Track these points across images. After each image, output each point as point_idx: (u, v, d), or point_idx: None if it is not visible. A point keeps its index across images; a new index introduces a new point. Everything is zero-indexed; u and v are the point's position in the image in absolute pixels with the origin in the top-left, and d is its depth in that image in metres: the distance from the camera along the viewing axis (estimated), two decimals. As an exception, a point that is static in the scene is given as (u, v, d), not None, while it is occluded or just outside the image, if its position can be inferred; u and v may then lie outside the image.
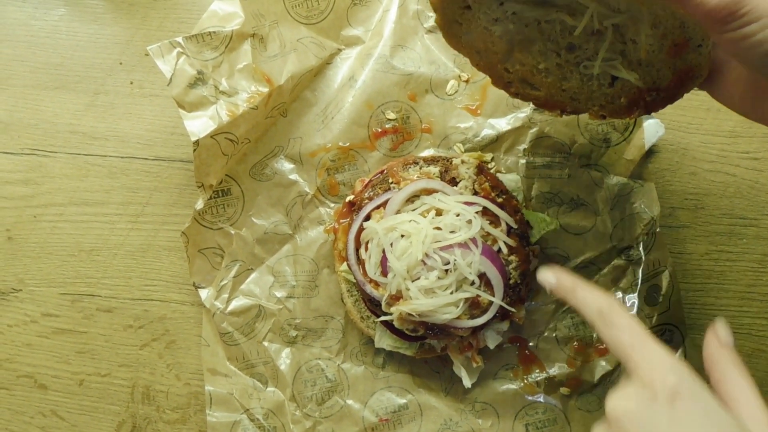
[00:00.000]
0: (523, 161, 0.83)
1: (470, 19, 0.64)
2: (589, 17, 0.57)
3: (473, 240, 0.70)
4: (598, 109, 0.67)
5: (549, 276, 0.63)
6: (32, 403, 0.86)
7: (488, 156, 0.83)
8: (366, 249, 0.74)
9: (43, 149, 0.87)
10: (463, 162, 0.77)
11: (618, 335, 0.56)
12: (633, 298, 0.81)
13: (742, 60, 0.47)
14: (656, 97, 0.62)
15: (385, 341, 0.79)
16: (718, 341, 0.57)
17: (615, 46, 0.60)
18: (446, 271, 0.69)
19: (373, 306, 0.76)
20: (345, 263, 0.79)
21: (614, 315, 0.58)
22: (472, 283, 0.70)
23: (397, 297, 0.71)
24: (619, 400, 0.53)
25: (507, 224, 0.73)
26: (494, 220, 0.73)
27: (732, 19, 0.43)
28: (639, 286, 0.81)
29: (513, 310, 0.74)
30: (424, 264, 0.70)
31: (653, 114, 0.76)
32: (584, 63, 0.63)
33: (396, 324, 0.72)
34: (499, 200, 0.75)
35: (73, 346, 0.86)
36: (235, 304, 0.83)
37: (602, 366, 0.81)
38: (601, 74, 0.63)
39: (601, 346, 0.81)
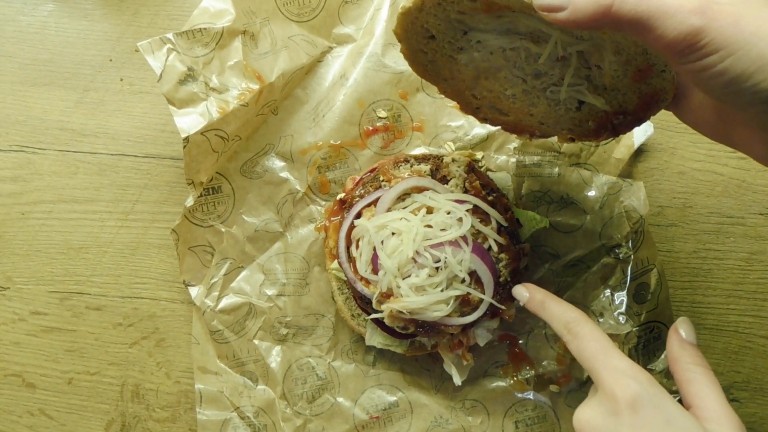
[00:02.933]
0: (513, 160, 0.84)
1: (435, 48, 0.64)
2: (553, 45, 0.57)
3: (464, 238, 0.70)
4: (567, 132, 0.68)
5: (522, 291, 0.65)
6: (20, 402, 0.85)
7: (479, 154, 0.83)
8: (357, 247, 0.74)
9: (31, 146, 0.87)
10: (453, 160, 0.77)
11: (583, 346, 0.58)
12: (622, 296, 0.82)
13: (703, 89, 0.47)
14: (623, 120, 0.63)
15: (375, 339, 0.79)
16: (680, 339, 0.59)
17: (580, 72, 0.60)
18: (437, 268, 0.70)
19: (364, 304, 0.76)
20: (336, 261, 0.79)
21: (580, 327, 0.59)
22: (463, 281, 0.70)
23: (387, 294, 0.71)
24: (584, 413, 0.55)
25: (497, 222, 0.74)
26: (484, 218, 0.73)
27: (691, 51, 0.43)
28: (628, 284, 0.82)
29: (503, 307, 0.74)
30: (415, 262, 0.70)
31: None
32: (551, 88, 0.63)
33: (387, 321, 0.72)
34: (490, 198, 0.75)
35: (62, 344, 0.85)
36: (225, 302, 0.83)
37: (591, 363, 0.81)
38: (567, 99, 0.64)
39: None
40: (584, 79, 0.61)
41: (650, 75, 0.56)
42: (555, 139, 0.69)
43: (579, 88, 0.61)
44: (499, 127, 0.72)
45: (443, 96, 0.71)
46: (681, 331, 0.60)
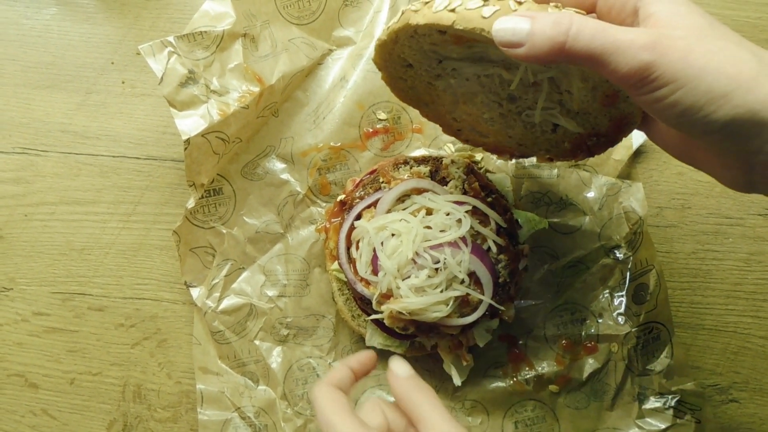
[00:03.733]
0: (512, 161, 0.84)
1: (413, 76, 0.66)
2: (522, 72, 0.59)
3: (463, 239, 0.71)
4: (545, 153, 0.70)
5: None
6: (23, 402, 0.85)
7: (478, 156, 0.84)
8: (357, 248, 0.74)
9: (34, 148, 0.87)
10: (453, 162, 0.77)
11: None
12: (621, 297, 0.82)
13: (659, 119, 0.48)
14: (597, 141, 0.65)
15: (375, 340, 0.80)
16: (397, 377, 0.61)
17: (552, 96, 0.61)
18: (436, 269, 0.70)
19: (364, 304, 0.76)
20: (336, 262, 0.79)
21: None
22: (462, 282, 0.71)
23: (387, 295, 0.71)
24: None
25: (496, 223, 0.74)
26: (484, 220, 0.74)
27: (643, 84, 0.45)
28: (627, 285, 0.82)
29: (502, 308, 0.74)
30: (415, 263, 0.70)
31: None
32: (526, 112, 0.65)
33: (386, 322, 0.72)
34: (489, 200, 0.76)
35: (64, 344, 0.86)
36: (226, 303, 0.83)
37: (591, 364, 0.82)
38: (542, 122, 0.65)
39: (589, 345, 0.82)
40: (557, 104, 0.62)
41: (617, 100, 0.58)
42: (534, 159, 0.71)
43: (552, 111, 0.63)
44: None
45: (425, 117, 0.73)
46: (395, 371, 0.62)
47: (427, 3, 0.54)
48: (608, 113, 0.60)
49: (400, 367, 0.62)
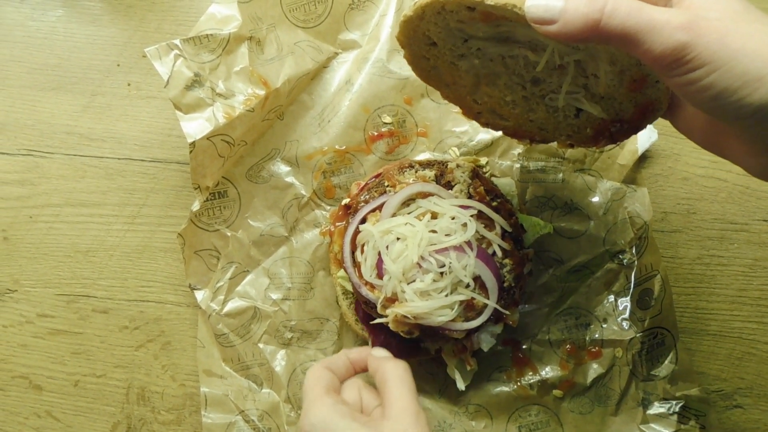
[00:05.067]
0: (517, 165, 0.84)
1: (437, 55, 0.65)
2: (549, 54, 0.58)
3: (468, 243, 0.71)
4: (566, 138, 0.69)
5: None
6: (27, 404, 0.86)
7: (483, 160, 0.84)
8: (362, 252, 0.74)
9: (39, 150, 0.88)
10: (458, 166, 0.77)
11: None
12: (625, 302, 0.82)
13: (691, 103, 0.48)
14: (620, 128, 0.64)
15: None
16: (375, 357, 0.68)
17: (578, 80, 0.61)
18: (441, 273, 0.70)
19: (369, 308, 0.76)
20: (341, 270, 0.79)
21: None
22: (467, 286, 0.71)
23: (392, 299, 0.71)
24: None
25: (501, 228, 0.74)
26: (489, 224, 0.74)
27: (677, 66, 0.44)
28: (631, 290, 0.82)
29: (507, 312, 0.74)
30: (420, 267, 0.70)
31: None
32: (549, 96, 0.64)
33: (391, 326, 0.72)
34: (494, 204, 0.76)
35: (69, 346, 0.86)
36: (230, 306, 0.83)
37: (594, 369, 0.82)
38: (566, 106, 0.65)
39: (594, 350, 0.82)
40: (582, 88, 0.61)
41: (645, 85, 0.57)
42: (555, 144, 0.70)
43: (576, 96, 0.62)
44: (501, 132, 0.73)
45: (446, 101, 0.72)
46: (374, 352, 0.69)
47: None
48: (634, 99, 0.59)
49: (379, 350, 0.70)
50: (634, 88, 0.58)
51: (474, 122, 0.84)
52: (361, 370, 0.72)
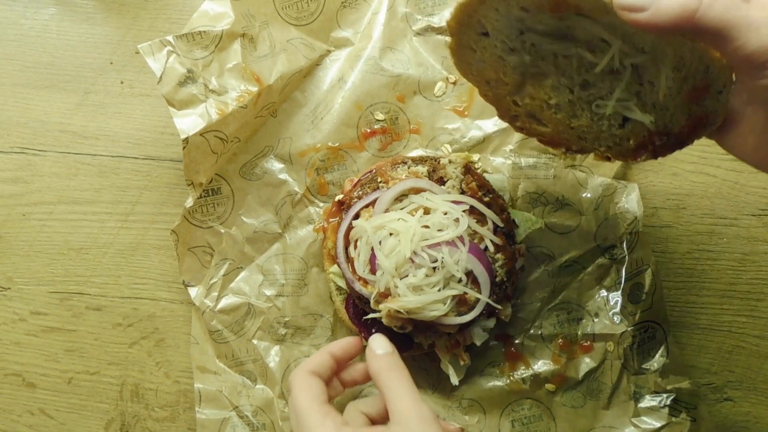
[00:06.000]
0: (509, 162, 0.85)
1: (486, 46, 0.62)
2: (611, 55, 0.55)
3: (460, 238, 0.71)
4: (605, 150, 0.65)
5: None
6: (20, 401, 0.85)
7: (475, 156, 0.84)
8: (355, 247, 0.75)
9: (32, 148, 0.88)
10: (450, 162, 0.78)
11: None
12: (617, 296, 0.83)
13: None
14: (666, 141, 0.60)
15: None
16: (375, 355, 0.65)
17: (631, 87, 0.58)
18: (434, 268, 0.70)
19: (362, 304, 0.77)
20: (334, 266, 0.79)
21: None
22: (460, 281, 0.71)
23: (385, 294, 0.72)
24: None
25: (493, 223, 0.75)
26: (481, 219, 0.74)
27: None
28: (622, 284, 0.83)
29: (499, 307, 0.75)
30: (412, 262, 0.71)
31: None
32: (597, 102, 0.61)
33: (384, 321, 0.73)
34: (486, 199, 0.76)
35: (62, 344, 0.86)
36: (224, 303, 0.84)
37: (587, 363, 0.82)
38: (612, 114, 0.61)
39: (585, 344, 0.83)
40: (634, 95, 0.58)
41: (705, 95, 0.54)
42: (591, 156, 0.68)
43: (627, 103, 0.59)
44: (515, 134, 0.69)
45: (483, 98, 0.69)
46: (375, 349, 0.66)
47: None
48: (689, 110, 0.56)
49: (378, 345, 0.66)
50: (693, 97, 0.55)
51: (466, 119, 0.85)
52: (345, 362, 0.71)
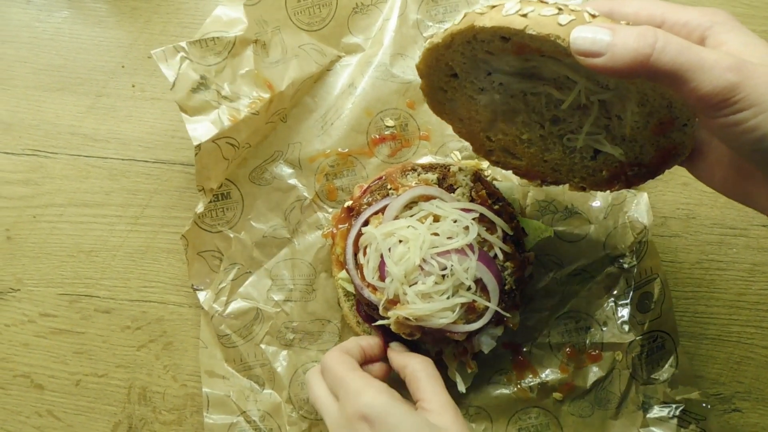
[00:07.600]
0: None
1: (456, 87, 0.64)
2: (577, 92, 0.57)
3: (470, 246, 0.71)
4: (579, 180, 0.68)
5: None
6: (28, 402, 0.86)
7: (485, 164, 0.84)
8: (364, 254, 0.75)
9: (44, 150, 0.88)
10: (460, 169, 0.78)
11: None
12: (625, 305, 0.83)
13: (731, 145, 0.47)
14: (638, 171, 0.62)
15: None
16: (395, 351, 0.73)
17: (600, 121, 0.60)
18: (443, 276, 0.70)
19: (371, 310, 0.77)
20: (343, 271, 0.79)
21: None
22: (469, 289, 0.71)
23: (394, 301, 0.72)
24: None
25: (503, 231, 0.75)
26: (490, 227, 0.74)
27: (725, 106, 0.44)
28: (631, 294, 0.83)
29: (508, 315, 0.75)
30: (422, 269, 0.71)
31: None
32: (568, 136, 0.63)
33: (393, 328, 0.73)
34: (496, 207, 0.76)
35: (71, 346, 0.86)
36: (233, 307, 0.84)
37: (594, 372, 0.82)
38: (584, 147, 0.63)
39: (594, 353, 0.82)
40: (603, 129, 0.60)
41: (671, 128, 0.56)
42: (566, 186, 0.70)
43: (597, 137, 0.61)
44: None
45: (457, 134, 0.72)
46: (392, 345, 0.76)
47: (494, 7, 0.52)
48: (657, 142, 0.58)
49: (397, 344, 0.75)
50: (660, 131, 0.56)
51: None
52: (371, 360, 0.74)
